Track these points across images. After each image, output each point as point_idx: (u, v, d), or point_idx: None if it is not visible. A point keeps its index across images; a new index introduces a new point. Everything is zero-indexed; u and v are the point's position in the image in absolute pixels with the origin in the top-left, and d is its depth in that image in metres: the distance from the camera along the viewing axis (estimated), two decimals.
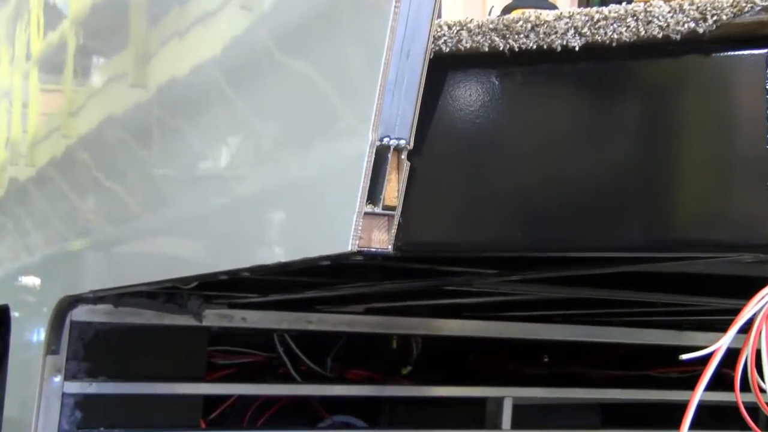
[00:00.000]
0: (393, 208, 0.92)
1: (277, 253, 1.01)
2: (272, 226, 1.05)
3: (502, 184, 0.96)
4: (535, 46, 0.93)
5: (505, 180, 0.96)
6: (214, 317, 2.05)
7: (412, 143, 0.91)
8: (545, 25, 0.93)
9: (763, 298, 0.87)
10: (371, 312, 2.25)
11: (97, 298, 1.81)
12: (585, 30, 0.92)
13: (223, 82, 1.15)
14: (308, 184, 0.98)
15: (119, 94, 1.53)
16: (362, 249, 0.91)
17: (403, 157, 0.92)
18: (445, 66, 0.96)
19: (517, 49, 0.94)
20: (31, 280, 2.08)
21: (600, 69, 0.94)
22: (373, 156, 0.89)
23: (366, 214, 0.90)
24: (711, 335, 2.48)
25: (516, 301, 2.03)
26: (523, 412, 2.39)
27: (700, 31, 0.90)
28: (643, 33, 0.91)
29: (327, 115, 0.95)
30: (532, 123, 0.96)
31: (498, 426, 2.29)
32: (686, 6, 0.88)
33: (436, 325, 2.34)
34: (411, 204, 0.94)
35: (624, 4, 0.93)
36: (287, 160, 1.02)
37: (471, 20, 0.94)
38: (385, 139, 0.90)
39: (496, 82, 0.96)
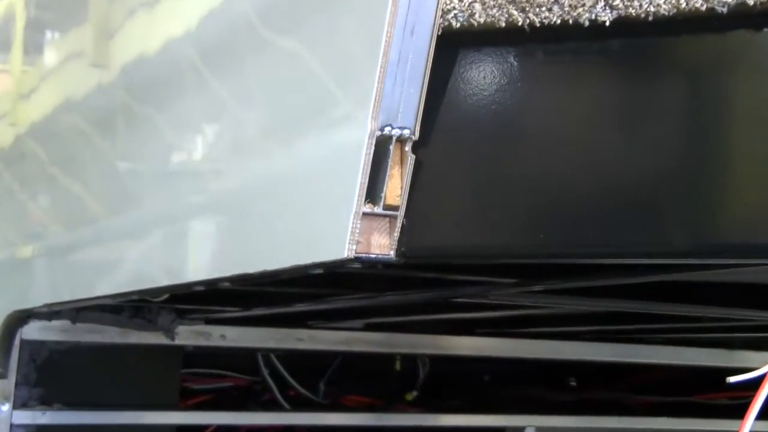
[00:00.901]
0: (396, 208, 0.93)
1: (262, 259, 1.02)
2: (256, 229, 1.05)
3: (522, 180, 0.97)
4: (559, 21, 0.94)
5: (526, 175, 0.97)
6: (188, 335, 2.06)
7: (417, 133, 0.92)
8: None
9: None
10: (371, 328, 2.26)
11: (51, 313, 1.81)
12: (617, 2, 0.93)
13: (199, 61, 1.17)
14: (298, 181, 0.99)
15: (77, 76, 1.54)
16: (360, 255, 0.92)
17: (407, 149, 0.92)
18: (455, 44, 0.97)
19: (538, 24, 0.94)
20: None
21: (634, 47, 0.95)
22: (373, 148, 0.90)
23: (365, 214, 0.91)
24: (766, 355, 2.49)
25: (538, 316, 2.04)
26: None
27: (750, 2, 0.90)
28: (683, 6, 0.91)
29: (319, 100, 0.96)
30: (556, 110, 0.97)
31: None
32: None
33: (447, 343, 2.35)
34: (417, 203, 0.95)
35: None
36: (273, 153, 1.03)
37: None
38: (387, 129, 0.91)
39: (515, 63, 0.97)
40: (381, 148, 0.91)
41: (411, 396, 2.56)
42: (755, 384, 0.91)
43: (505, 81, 0.97)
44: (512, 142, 0.98)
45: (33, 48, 1.79)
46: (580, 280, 1.28)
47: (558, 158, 0.97)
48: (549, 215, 0.97)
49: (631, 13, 0.93)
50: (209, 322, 2.06)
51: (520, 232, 0.98)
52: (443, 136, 0.98)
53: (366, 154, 0.90)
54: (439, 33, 0.90)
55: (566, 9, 0.94)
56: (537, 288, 1.40)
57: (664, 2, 0.93)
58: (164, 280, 1.26)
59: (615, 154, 0.95)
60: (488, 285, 1.37)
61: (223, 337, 2.10)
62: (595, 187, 0.95)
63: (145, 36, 1.30)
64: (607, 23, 0.93)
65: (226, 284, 1.14)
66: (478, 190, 0.98)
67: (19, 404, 1.92)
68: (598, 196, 0.95)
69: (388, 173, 0.92)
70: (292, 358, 2.35)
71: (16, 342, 1.91)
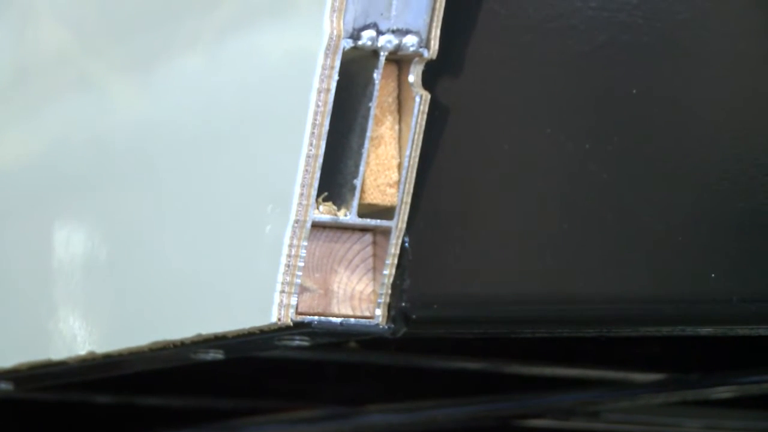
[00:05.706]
0: (387, 213, 0.90)
1: (88, 330, 0.97)
2: (76, 266, 1.04)
3: (668, 160, 0.88)
4: None
5: (678, 150, 0.87)
6: None
7: (435, 46, 0.89)
8: None
9: None
10: None
11: None
12: None
13: None
14: (166, 146, 1.00)
15: None
16: (308, 318, 0.88)
17: (412, 78, 0.89)
18: None
19: None
20: None
21: None
22: (336, 75, 0.87)
23: (317, 227, 0.88)
24: None
25: None
26: None
27: None
28: None
29: None
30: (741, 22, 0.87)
31: None
32: None
33: None
34: (435, 203, 0.91)
35: None
36: (112, 86, 1.05)
37: None
38: (367, 34, 0.88)
39: None
40: (355, 75, 0.89)
41: None
42: None
43: None
44: (650, 78, 0.88)
45: None
46: None
47: (746, 120, 0.85)
48: (735, 237, 0.86)
49: None
50: None
51: (667, 269, 0.88)
52: (496, 56, 0.92)
53: (320, 91, 0.86)
54: None
55: None
56: (722, 392, 1.27)
57: None
58: None
59: None
60: (601, 387, 1.29)
61: None
62: None
63: None
64: None
65: (4, 388, 1.13)
66: (578, 177, 0.89)
67: None
68: None
69: (368, 134, 0.88)
70: None
71: None
